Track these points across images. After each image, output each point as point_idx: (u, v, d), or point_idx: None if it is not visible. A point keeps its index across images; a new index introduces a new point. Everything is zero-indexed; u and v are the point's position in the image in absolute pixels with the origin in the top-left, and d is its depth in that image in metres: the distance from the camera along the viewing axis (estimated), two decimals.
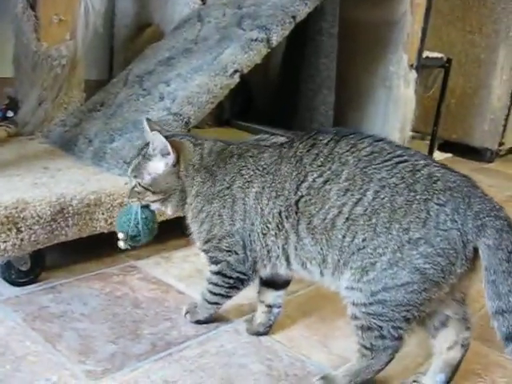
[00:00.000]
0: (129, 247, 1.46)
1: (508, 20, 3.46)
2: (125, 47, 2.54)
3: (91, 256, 1.78)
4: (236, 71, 1.89)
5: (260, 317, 1.48)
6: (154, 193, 1.40)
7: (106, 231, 1.66)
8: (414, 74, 2.63)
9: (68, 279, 1.64)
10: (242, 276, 1.38)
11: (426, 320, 1.26)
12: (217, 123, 2.69)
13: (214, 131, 2.58)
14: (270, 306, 1.47)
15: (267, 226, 1.30)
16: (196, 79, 1.86)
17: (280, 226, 1.28)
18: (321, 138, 1.28)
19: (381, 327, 1.19)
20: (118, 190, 1.65)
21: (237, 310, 1.58)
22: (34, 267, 1.58)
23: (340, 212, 1.20)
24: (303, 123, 2.59)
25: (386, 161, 1.20)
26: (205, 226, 1.38)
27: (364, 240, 1.17)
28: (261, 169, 1.32)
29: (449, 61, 3.19)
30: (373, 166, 1.19)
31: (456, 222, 1.13)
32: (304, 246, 1.26)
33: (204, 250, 1.42)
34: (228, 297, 1.44)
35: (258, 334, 1.48)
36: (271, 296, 1.47)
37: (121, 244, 1.45)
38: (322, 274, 1.27)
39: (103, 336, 1.40)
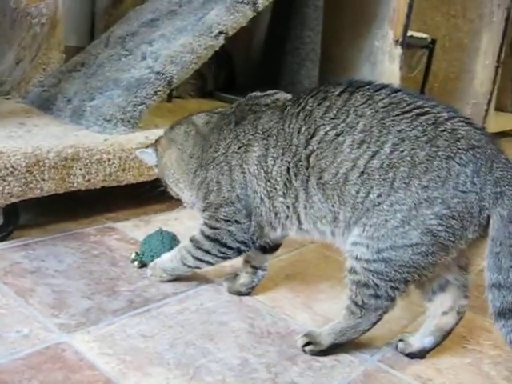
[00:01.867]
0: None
1: (492, 5, 3.45)
2: (107, 13, 2.47)
3: (67, 217, 1.73)
4: (221, 32, 1.84)
5: (243, 277, 1.43)
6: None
7: (83, 188, 1.60)
8: (399, 50, 2.60)
9: (43, 238, 1.58)
10: (242, 247, 1.32)
11: (425, 283, 1.22)
12: (199, 95, 2.63)
13: (196, 102, 2.53)
14: (255, 268, 1.42)
15: (275, 188, 1.23)
16: (180, 39, 1.81)
17: (288, 184, 1.21)
18: (332, 90, 1.19)
19: (377, 286, 1.14)
20: (97, 145, 1.59)
21: (217, 271, 1.53)
22: (7, 223, 1.51)
23: (354, 165, 1.12)
24: None
25: (405, 112, 1.11)
26: (200, 193, 1.34)
27: (379, 196, 1.10)
28: (261, 132, 1.25)
29: (433, 42, 3.18)
30: (391, 118, 1.11)
31: (475, 185, 1.06)
32: (314, 203, 1.19)
33: (203, 217, 1.36)
34: (213, 264, 1.38)
35: (240, 294, 1.43)
36: (258, 258, 1.42)
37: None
38: (332, 233, 1.21)
39: (78, 292, 1.34)
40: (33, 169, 1.46)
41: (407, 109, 1.12)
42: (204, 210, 1.34)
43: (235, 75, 2.84)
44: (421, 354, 1.28)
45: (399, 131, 1.10)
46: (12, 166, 1.42)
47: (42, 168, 1.47)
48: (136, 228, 1.75)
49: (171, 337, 1.22)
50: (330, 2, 2.54)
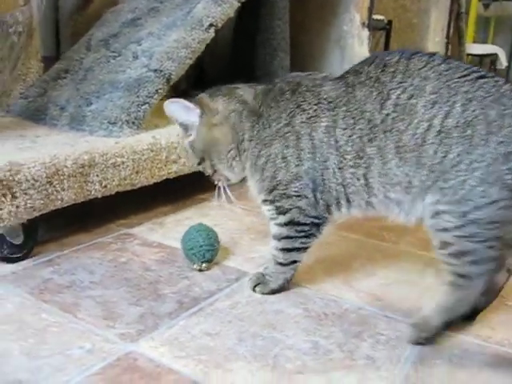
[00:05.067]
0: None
1: None
2: (72, 19, 2.38)
3: (80, 228, 1.66)
4: (211, 25, 1.81)
5: None
6: (200, 158, 1.38)
7: (99, 196, 1.53)
8: (366, 32, 2.64)
9: (62, 252, 1.51)
10: (316, 220, 1.29)
11: None
12: (175, 94, 2.57)
13: None
14: None
15: (344, 158, 1.21)
16: (171, 35, 1.77)
17: (361, 153, 1.19)
18: (388, 57, 1.20)
19: (475, 249, 1.13)
20: (110, 149, 1.53)
21: (251, 264, 1.51)
22: (28, 240, 1.43)
23: (430, 125, 1.12)
24: None
25: (465, 75, 1.13)
26: (267, 173, 1.29)
27: (459, 154, 1.10)
28: (325, 102, 1.23)
29: (390, 23, 3.25)
30: (455, 80, 1.13)
31: None
32: (389, 170, 1.17)
33: (269, 201, 1.31)
34: (305, 249, 1.33)
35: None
36: None
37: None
38: (399, 203, 1.19)
39: (123, 300, 1.29)
40: (53, 179, 1.38)
41: (466, 72, 1.14)
42: (272, 190, 1.29)
43: (204, 71, 2.80)
44: (473, 315, 1.30)
45: (466, 92, 1.12)
46: (33, 178, 1.33)
47: (62, 177, 1.40)
48: (152, 232, 1.69)
49: (236, 331, 1.19)
50: None
